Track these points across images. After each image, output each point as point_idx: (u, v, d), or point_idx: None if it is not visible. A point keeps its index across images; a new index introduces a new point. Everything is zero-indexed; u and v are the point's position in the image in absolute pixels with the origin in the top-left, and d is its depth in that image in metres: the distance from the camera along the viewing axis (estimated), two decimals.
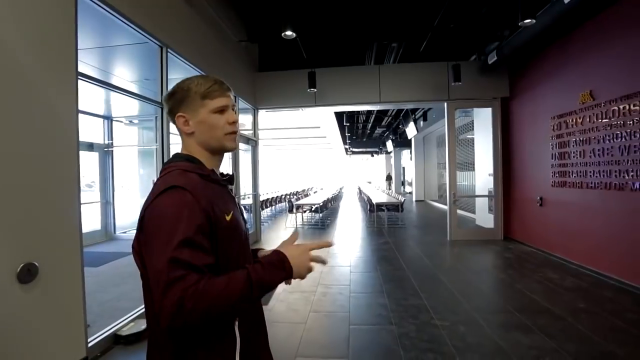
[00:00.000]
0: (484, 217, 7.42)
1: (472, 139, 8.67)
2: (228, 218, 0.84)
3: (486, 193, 7.07)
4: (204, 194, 0.79)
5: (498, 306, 3.40)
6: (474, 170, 8.18)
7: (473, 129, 8.33)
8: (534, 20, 3.48)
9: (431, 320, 3.07)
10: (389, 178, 21.71)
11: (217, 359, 0.80)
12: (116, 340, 2.75)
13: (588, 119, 4.28)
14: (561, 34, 4.65)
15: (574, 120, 4.53)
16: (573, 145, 4.57)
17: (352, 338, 2.80)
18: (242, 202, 6.63)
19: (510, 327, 2.88)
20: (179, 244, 0.70)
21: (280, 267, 0.79)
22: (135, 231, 0.83)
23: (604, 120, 4.03)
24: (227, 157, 5.99)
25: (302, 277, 0.83)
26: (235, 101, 0.93)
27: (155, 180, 0.87)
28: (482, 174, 7.37)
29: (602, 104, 4.04)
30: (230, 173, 0.98)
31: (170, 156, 0.92)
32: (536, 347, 2.53)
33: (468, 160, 9.38)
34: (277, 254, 0.81)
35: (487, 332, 2.81)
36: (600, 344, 2.56)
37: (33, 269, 2.01)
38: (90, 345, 2.50)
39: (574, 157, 4.55)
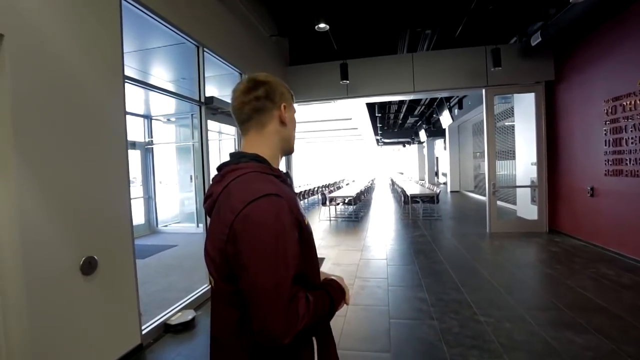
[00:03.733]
0: (526, 208, 7.06)
1: (512, 127, 8.23)
2: (306, 222, 0.82)
3: (528, 183, 6.70)
4: (293, 198, 0.78)
5: (546, 303, 3.23)
6: (514, 159, 7.78)
7: (513, 116, 7.89)
8: None
9: (474, 315, 2.97)
10: (437, 174, 20.96)
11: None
12: (166, 329, 2.92)
13: None
14: (617, 10, 4.25)
15: (633, 102, 4.15)
16: (631, 130, 4.19)
17: (392, 332, 2.78)
18: None
19: (561, 325, 2.73)
20: (290, 259, 0.70)
21: (343, 294, 0.89)
22: (206, 236, 0.79)
23: None
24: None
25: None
26: None
27: (222, 182, 0.81)
28: (524, 163, 6.98)
29: None
30: (285, 171, 0.94)
31: (228, 157, 0.88)
32: (592, 349, 2.38)
33: (507, 148, 8.93)
34: (336, 282, 0.91)
35: (536, 329, 2.68)
36: None
37: (93, 262, 2.16)
38: (143, 333, 2.66)
39: (632, 143, 4.18)
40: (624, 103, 4.27)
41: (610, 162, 4.58)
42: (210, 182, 0.88)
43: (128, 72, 2.72)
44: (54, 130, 1.98)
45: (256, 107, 0.85)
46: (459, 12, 5.36)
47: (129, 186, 2.57)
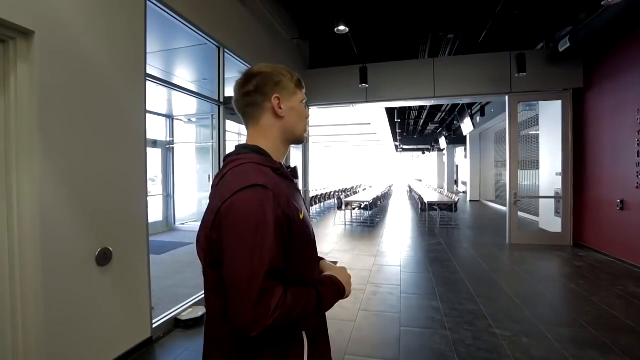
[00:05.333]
0: (549, 220, 6.78)
1: (536, 135, 7.96)
2: (301, 216, 0.81)
3: (552, 194, 6.44)
4: (282, 191, 0.77)
5: (568, 319, 3.07)
6: (537, 169, 7.51)
7: (537, 124, 7.63)
8: None
9: (489, 328, 2.86)
10: (456, 182, 20.57)
11: (292, 353, 0.79)
12: (176, 324, 2.94)
13: None
14: None
15: None
16: None
17: (403, 340, 2.70)
18: None
19: (584, 343, 2.58)
20: (267, 252, 0.68)
21: (342, 291, 0.85)
22: (199, 225, 0.80)
23: None
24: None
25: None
26: None
27: (222, 172, 0.82)
28: (547, 173, 6.73)
29: None
30: (293, 166, 0.93)
31: (233, 149, 0.88)
32: None
33: (530, 158, 8.64)
34: (333, 278, 0.86)
35: (556, 346, 2.55)
36: None
37: (108, 254, 2.21)
38: (154, 326, 2.70)
39: None
40: None
41: None
42: None
43: (153, 72, 2.79)
44: (77, 124, 2.04)
45: (248, 102, 0.85)
46: (484, 17, 5.24)
47: (146, 182, 2.62)
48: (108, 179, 2.26)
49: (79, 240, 2.05)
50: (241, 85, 0.86)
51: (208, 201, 0.81)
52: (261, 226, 0.69)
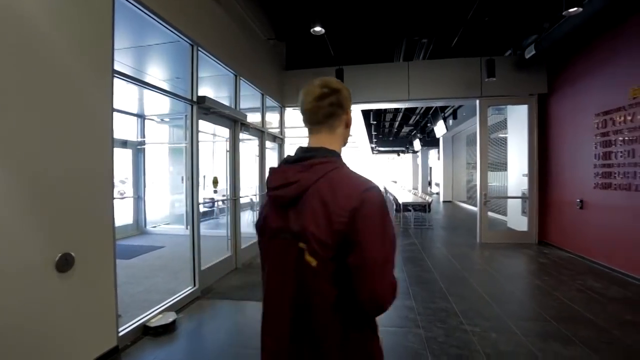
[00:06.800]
0: (517, 219, 7.08)
1: (504, 138, 8.31)
2: None
3: (519, 194, 6.74)
4: None
5: (533, 314, 3.20)
6: (506, 170, 7.83)
7: (506, 128, 7.97)
8: (581, 9, 3.24)
9: (460, 325, 2.94)
10: (430, 183, 21.10)
11: (375, 335, 0.92)
12: (145, 331, 2.83)
13: None
14: (611, 24, 4.32)
15: (622, 117, 4.19)
16: (620, 144, 4.24)
17: None
18: None
19: (548, 336, 2.70)
20: (393, 241, 0.84)
21: None
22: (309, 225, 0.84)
23: None
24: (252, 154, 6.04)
25: None
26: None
27: (318, 173, 0.88)
28: (515, 175, 7.03)
29: None
30: None
31: (312, 150, 0.97)
32: None
33: (500, 160, 9.00)
34: None
35: (522, 340, 2.65)
36: None
37: (70, 259, 2.09)
38: (120, 334, 2.58)
39: (621, 157, 4.22)
40: (614, 117, 4.32)
41: (599, 176, 4.61)
42: (280, 172, 0.94)
43: (122, 69, 2.67)
44: (33, 121, 1.92)
45: (329, 112, 0.96)
46: (456, 23, 5.41)
47: (113, 184, 2.51)
48: (70, 180, 2.14)
49: (36, 245, 1.92)
50: (324, 95, 0.95)
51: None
52: (387, 217, 0.84)
